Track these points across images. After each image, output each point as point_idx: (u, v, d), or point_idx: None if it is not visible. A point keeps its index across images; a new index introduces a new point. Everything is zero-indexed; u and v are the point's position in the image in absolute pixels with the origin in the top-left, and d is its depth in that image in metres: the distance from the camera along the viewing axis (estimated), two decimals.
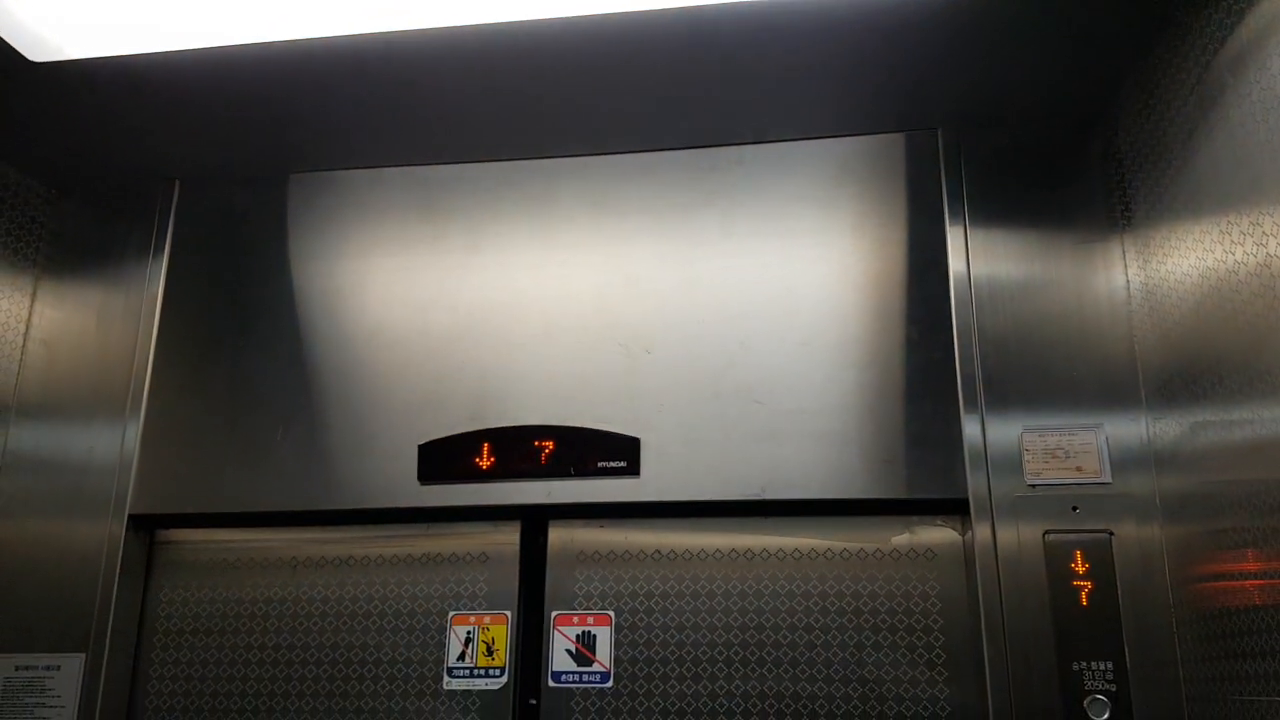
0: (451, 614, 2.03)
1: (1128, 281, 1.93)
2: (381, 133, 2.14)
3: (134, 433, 2.14)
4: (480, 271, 2.16)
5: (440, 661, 2.00)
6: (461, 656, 1.99)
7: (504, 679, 1.97)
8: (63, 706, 2.00)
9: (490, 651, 1.98)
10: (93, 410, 2.17)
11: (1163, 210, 1.80)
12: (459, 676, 1.98)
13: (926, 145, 2.09)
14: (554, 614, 2.01)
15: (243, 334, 2.19)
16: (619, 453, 2.00)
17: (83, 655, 2.01)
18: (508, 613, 2.01)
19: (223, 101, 2.02)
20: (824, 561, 1.97)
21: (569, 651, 1.98)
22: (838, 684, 1.90)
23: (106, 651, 2.01)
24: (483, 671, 1.97)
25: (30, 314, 2.26)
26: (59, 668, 2.02)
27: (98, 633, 2.02)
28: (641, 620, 1.99)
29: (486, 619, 2.01)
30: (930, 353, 1.95)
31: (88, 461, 2.13)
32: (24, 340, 2.24)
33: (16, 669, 2.03)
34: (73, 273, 2.29)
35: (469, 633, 2.00)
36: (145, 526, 2.14)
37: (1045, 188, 2.00)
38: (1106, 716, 1.72)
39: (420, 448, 2.05)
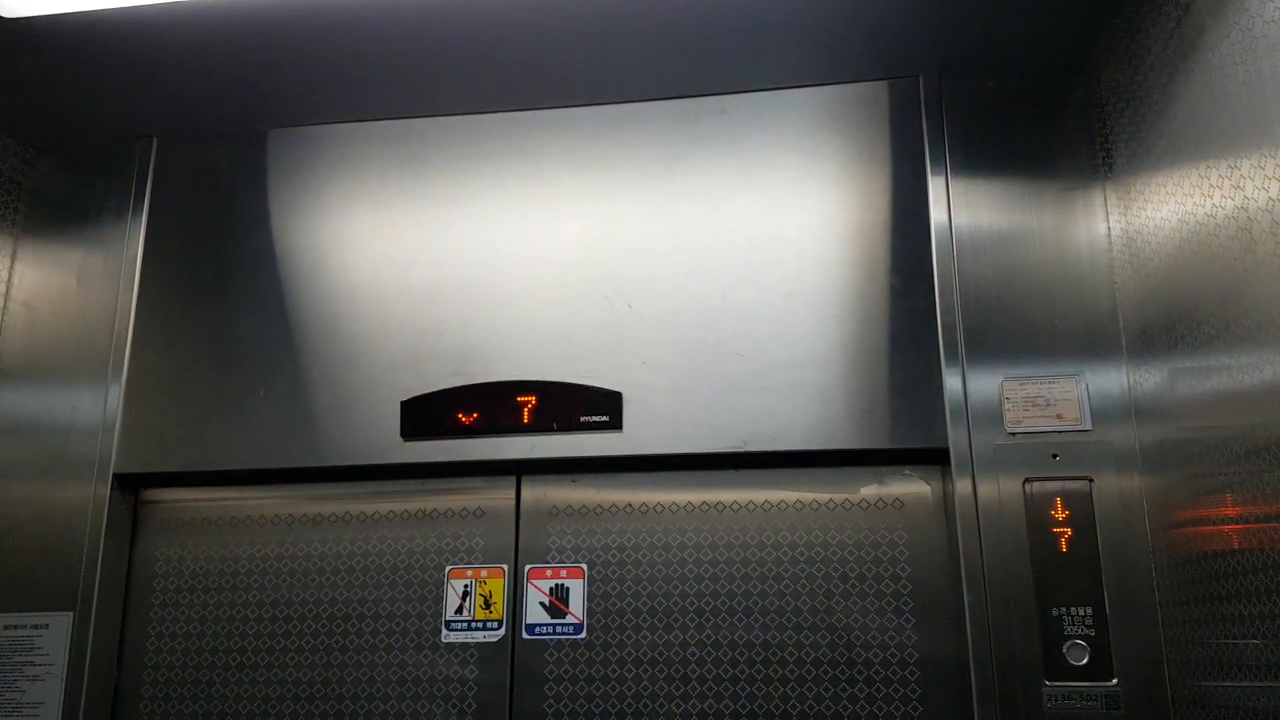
0: (449, 568, 2.04)
1: (1109, 229, 1.92)
2: (360, 85, 2.11)
3: (117, 392, 2.13)
4: (461, 226, 2.15)
5: (438, 615, 2.01)
6: (459, 610, 2.00)
7: (502, 631, 1.98)
8: (52, 664, 2.01)
9: (488, 604, 2.00)
10: (75, 370, 2.16)
11: (1143, 156, 1.79)
12: (457, 629, 2.00)
13: (908, 93, 2.07)
14: (527, 568, 2.02)
15: (223, 291, 2.18)
16: (601, 407, 2.00)
17: (70, 614, 2.02)
18: (504, 566, 2.03)
19: (199, 56, 2.00)
20: (794, 513, 1.98)
21: (542, 604, 2.00)
22: (807, 632, 1.92)
23: (94, 610, 2.02)
24: (480, 624, 1.99)
25: (10, 275, 2.25)
26: (47, 626, 2.03)
27: (85, 592, 2.03)
28: (614, 573, 2.00)
29: (483, 573, 2.02)
30: (912, 302, 1.95)
31: (71, 421, 2.13)
32: (5, 301, 2.23)
33: (5, 628, 2.04)
34: (52, 233, 2.27)
35: (466, 586, 2.02)
36: (130, 486, 2.14)
37: (1027, 135, 1.99)
38: (1086, 661, 1.73)
39: (403, 404, 2.05)
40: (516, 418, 2.01)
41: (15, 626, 2.04)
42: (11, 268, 2.25)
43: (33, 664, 2.01)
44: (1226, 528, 1.56)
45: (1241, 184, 1.44)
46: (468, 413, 2.02)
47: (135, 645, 2.09)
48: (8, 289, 2.24)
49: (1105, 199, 1.94)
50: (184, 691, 2.05)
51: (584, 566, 2.01)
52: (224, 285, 2.19)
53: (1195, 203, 1.59)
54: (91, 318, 2.19)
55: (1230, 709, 1.52)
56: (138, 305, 2.19)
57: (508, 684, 1.96)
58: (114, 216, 2.26)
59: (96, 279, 2.22)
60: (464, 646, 1.99)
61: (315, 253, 2.18)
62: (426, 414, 2.04)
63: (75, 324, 2.19)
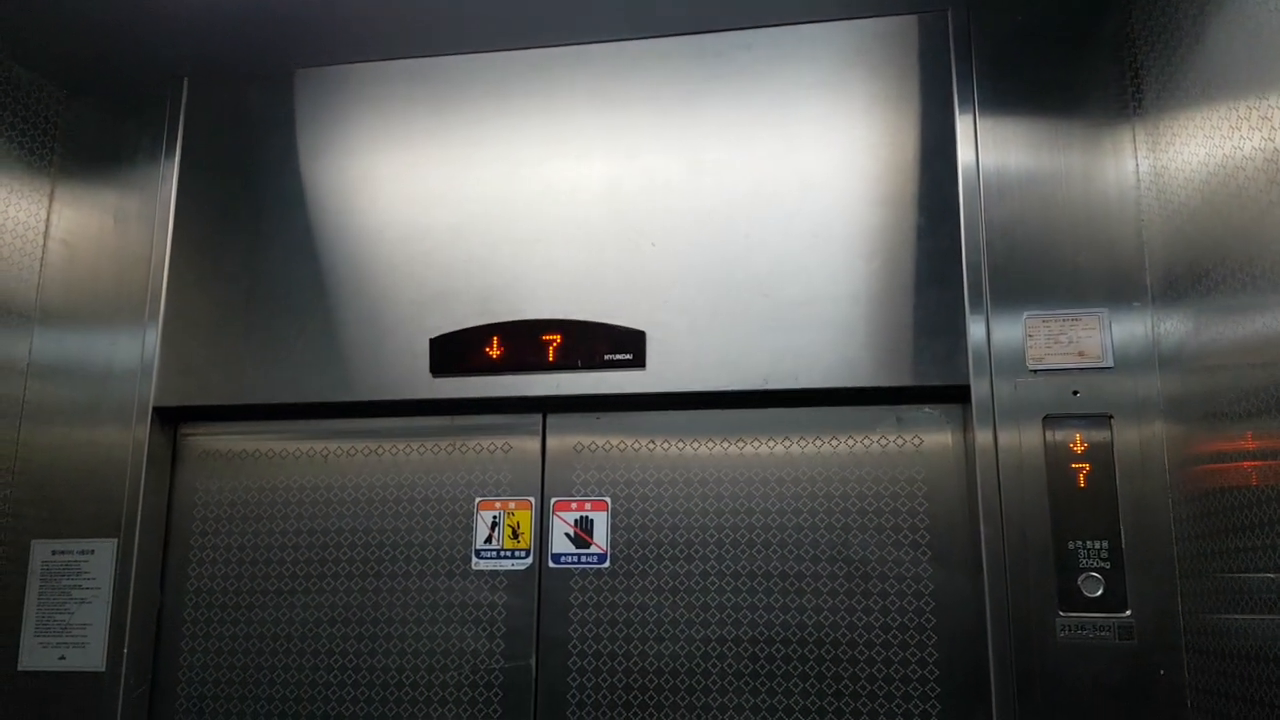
0: (478, 500, 2.10)
1: (1137, 168, 1.91)
2: (385, 24, 2.12)
3: (154, 329, 2.19)
4: (485, 165, 2.17)
5: (468, 544, 2.08)
6: (488, 539, 2.07)
7: (529, 560, 2.05)
8: (98, 588, 2.10)
9: (516, 535, 2.06)
10: (114, 308, 2.22)
11: (1173, 93, 1.76)
12: (486, 558, 2.06)
13: (936, 27, 2.05)
14: (553, 500, 2.07)
15: (256, 230, 2.22)
16: (625, 345, 2.03)
17: (115, 540, 2.11)
18: (531, 499, 2.08)
19: None
20: (813, 449, 2.02)
21: (567, 535, 2.05)
22: (824, 564, 1.96)
23: (137, 537, 2.11)
24: (509, 553, 2.05)
25: (49, 214, 2.30)
26: (93, 552, 2.11)
27: (128, 519, 2.11)
28: (637, 506, 2.05)
29: (511, 504, 2.08)
30: (937, 241, 1.95)
31: (111, 357, 2.20)
32: (44, 241, 2.28)
33: (53, 553, 2.13)
34: (88, 174, 2.32)
35: (495, 517, 2.08)
36: (169, 420, 2.21)
37: (1056, 70, 1.96)
38: (1100, 593, 1.77)
39: (432, 341, 2.09)
40: (542, 356, 2.05)
41: (63, 551, 2.13)
42: (50, 207, 2.30)
43: (80, 587, 2.10)
44: (1245, 464, 1.57)
45: (1271, 124, 1.42)
46: (495, 350, 2.07)
47: (177, 571, 2.17)
48: (47, 228, 2.29)
49: (1134, 137, 1.92)
50: (224, 615, 2.13)
51: (608, 500, 2.06)
52: (256, 224, 2.23)
53: (1224, 142, 1.58)
54: (128, 257, 2.24)
55: (1241, 640, 1.55)
56: (173, 244, 2.23)
57: (535, 610, 2.02)
58: (147, 157, 2.30)
59: (132, 219, 2.27)
60: (493, 574, 2.06)
61: (344, 192, 2.21)
62: (455, 351, 2.08)
63: (113, 263, 2.25)
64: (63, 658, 2.08)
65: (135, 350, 2.19)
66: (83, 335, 2.22)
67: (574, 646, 2.00)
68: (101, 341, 2.21)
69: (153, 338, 2.19)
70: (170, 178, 2.27)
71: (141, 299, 2.22)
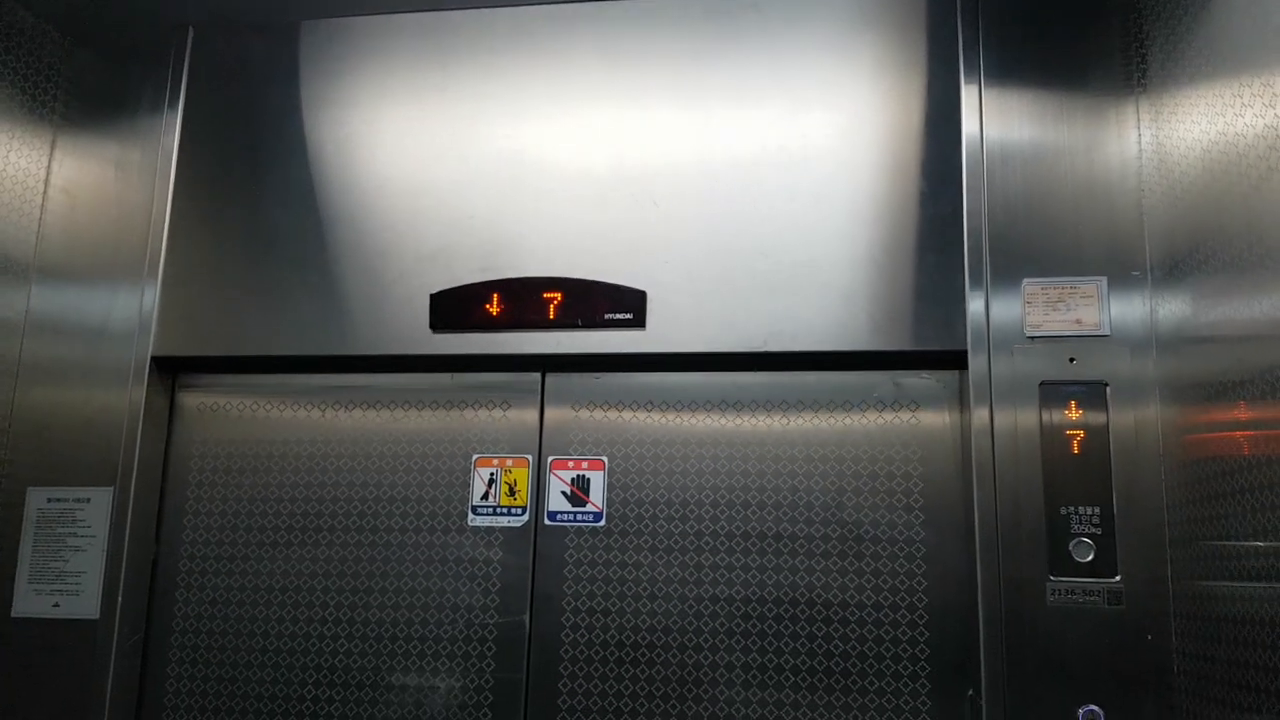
0: (475, 457, 2.11)
1: (1139, 142, 1.92)
2: None
3: (154, 280, 2.19)
4: (490, 121, 2.17)
5: (465, 500, 2.09)
6: (485, 496, 2.08)
7: (525, 517, 2.06)
8: (94, 536, 2.10)
9: (513, 492, 2.07)
10: (114, 258, 2.22)
11: (1178, 68, 1.77)
12: (483, 514, 2.07)
13: None
14: (550, 459, 2.08)
15: (258, 182, 2.22)
16: (626, 305, 2.04)
17: (111, 489, 2.11)
18: (529, 457, 2.09)
19: None
20: (810, 413, 2.03)
21: (564, 494, 2.06)
22: (818, 525, 1.98)
23: (134, 486, 2.10)
24: (505, 510, 2.06)
25: (50, 162, 2.29)
26: (89, 500, 2.12)
27: (125, 469, 2.11)
28: (634, 466, 2.06)
29: (509, 462, 2.09)
30: (939, 207, 1.96)
31: (111, 306, 2.19)
32: (45, 189, 2.27)
33: (49, 500, 2.13)
34: (91, 123, 2.31)
35: (492, 474, 2.09)
36: (167, 369, 2.21)
37: (1062, 41, 1.97)
38: (1091, 558, 1.78)
39: (432, 297, 2.09)
40: (543, 314, 2.06)
41: (58, 500, 2.13)
42: (51, 155, 2.29)
43: (75, 535, 2.11)
44: (1237, 434, 1.59)
45: (1274, 102, 1.43)
46: (495, 308, 2.07)
47: (173, 521, 2.18)
48: (48, 177, 2.28)
49: (1138, 110, 1.93)
50: (219, 566, 2.14)
51: (604, 459, 2.07)
52: (258, 176, 2.22)
53: (1226, 113, 1.59)
54: (129, 207, 2.24)
55: (1227, 606, 1.57)
56: (175, 195, 2.23)
57: (530, 566, 2.04)
58: (150, 107, 2.29)
59: (134, 169, 2.26)
60: (489, 530, 2.07)
61: (347, 145, 2.21)
62: (455, 307, 2.08)
63: (114, 212, 2.24)
64: (56, 605, 2.09)
65: (134, 300, 2.19)
66: (82, 284, 2.22)
67: (568, 603, 2.01)
68: (101, 291, 2.20)
69: (152, 288, 2.18)
70: (173, 128, 2.27)
71: (142, 249, 2.21)
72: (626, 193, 2.08)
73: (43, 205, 2.27)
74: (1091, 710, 1.73)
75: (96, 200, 2.26)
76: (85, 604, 2.08)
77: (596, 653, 1.99)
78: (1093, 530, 1.79)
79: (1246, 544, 1.53)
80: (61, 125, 2.31)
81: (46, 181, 2.28)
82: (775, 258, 2.00)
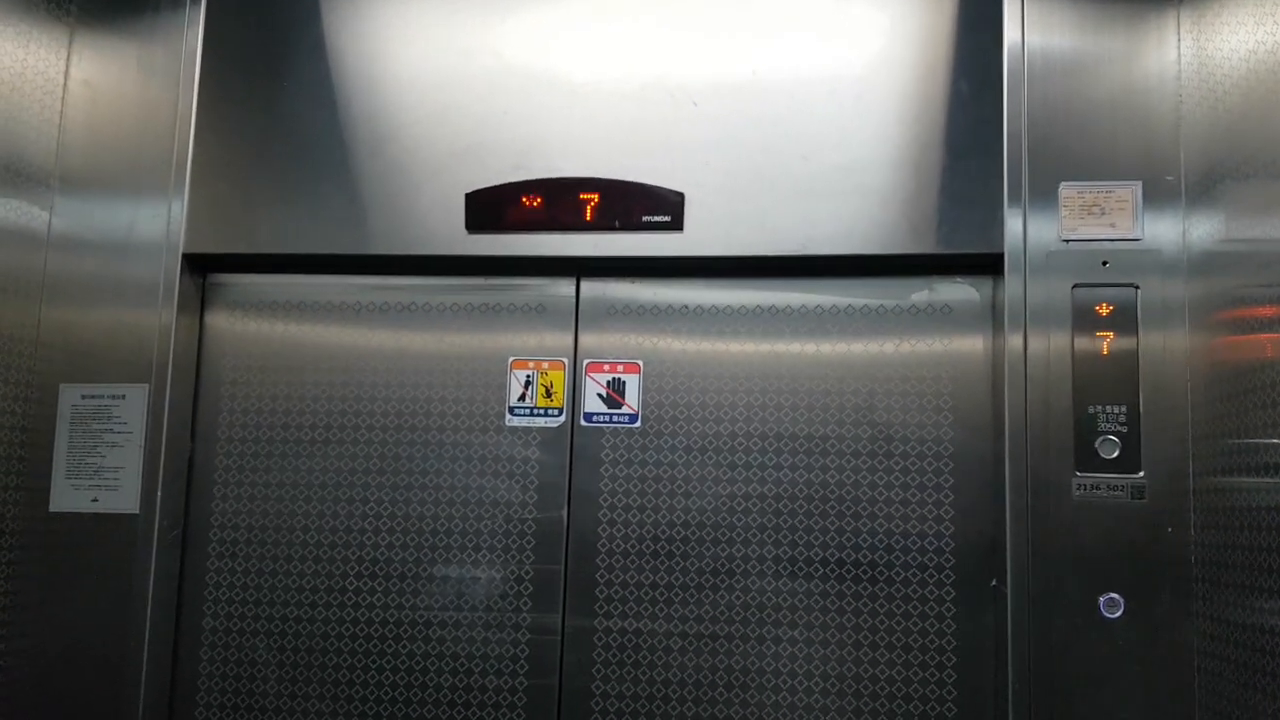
0: (511, 359, 2.13)
1: (1179, 51, 1.93)
2: None
3: (183, 177, 2.16)
4: (525, 13, 2.13)
5: (502, 401, 2.12)
6: (522, 397, 2.11)
7: (562, 418, 2.10)
8: (130, 433, 2.11)
9: (549, 394, 2.10)
10: (139, 153, 2.18)
11: None
12: (520, 415, 2.10)
13: None
14: (586, 362, 2.11)
15: (287, 77, 2.18)
16: (663, 207, 2.04)
17: (147, 385, 2.11)
18: (564, 360, 2.12)
19: None
20: (844, 317, 2.06)
21: (600, 396, 2.10)
22: (849, 426, 2.03)
23: (169, 383, 2.11)
24: (542, 411, 2.10)
25: (68, 65, 2.22)
26: (124, 396, 2.12)
27: (159, 366, 2.11)
28: (669, 369, 2.10)
29: (545, 364, 2.12)
30: (979, 109, 1.97)
31: (138, 201, 2.16)
32: (65, 84, 2.21)
33: (83, 397, 2.13)
34: (110, 22, 2.23)
35: (528, 376, 2.11)
36: (198, 267, 2.20)
37: None
38: (1116, 455, 1.85)
39: (467, 196, 2.08)
40: (579, 215, 2.06)
41: (93, 396, 2.13)
42: (69, 55, 2.21)
43: (112, 431, 2.12)
44: (1263, 335, 1.65)
45: None
46: (532, 208, 2.07)
47: (207, 419, 2.19)
48: (67, 75, 2.22)
49: (1179, 20, 1.93)
50: (256, 463, 2.17)
51: (640, 363, 2.10)
52: (287, 71, 2.18)
53: (1267, 30, 1.60)
54: (153, 106, 2.19)
55: (1245, 498, 1.65)
56: (200, 92, 2.18)
57: (567, 465, 2.08)
58: (171, 5, 2.22)
59: (157, 67, 2.20)
60: (526, 430, 2.10)
61: (377, 38, 2.16)
62: (491, 207, 2.08)
63: (137, 112, 2.19)
64: (95, 500, 2.11)
65: (163, 199, 2.15)
66: (108, 184, 2.18)
67: (604, 500, 2.06)
68: (128, 189, 2.17)
69: (181, 187, 2.15)
70: (196, 24, 2.20)
71: (169, 149, 2.17)
72: (664, 90, 2.07)
73: (63, 101, 2.21)
74: (1112, 598, 1.82)
75: (119, 100, 2.21)
76: (124, 499, 2.10)
77: (633, 546, 2.05)
78: (1119, 428, 1.86)
79: (1266, 441, 1.60)
80: (79, 25, 2.24)
81: (65, 81, 2.22)
82: (814, 159, 2.01)
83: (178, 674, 2.13)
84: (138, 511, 2.09)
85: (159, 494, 2.09)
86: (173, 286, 2.13)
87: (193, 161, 2.16)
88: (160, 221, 2.15)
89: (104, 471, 2.11)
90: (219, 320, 2.22)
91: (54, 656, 2.06)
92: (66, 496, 2.12)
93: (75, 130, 2.21)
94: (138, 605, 2.06)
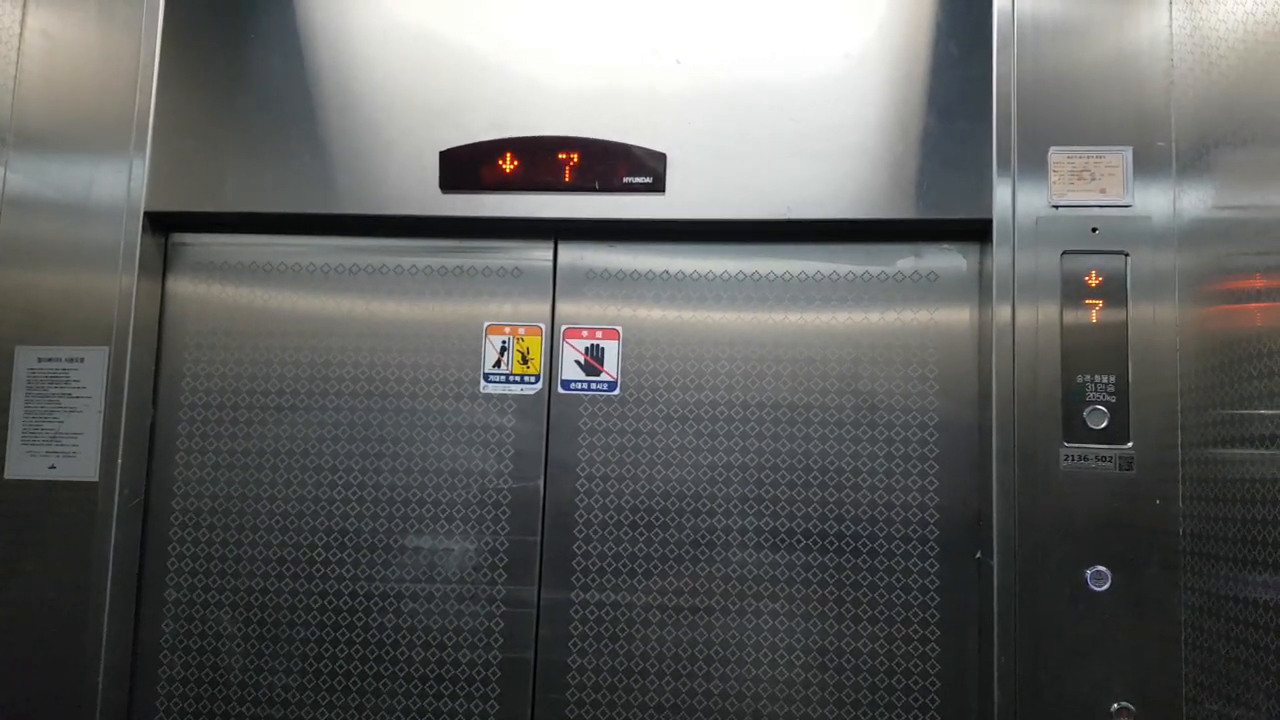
0: (486, 324, 2.06)
1: (1170, 14, 1.89)
2: None
3: (145, 133, 2.07)
4: None
5: (477, 368, 2.05)
6: (497, 364, 2.04)
7: (539, 385, 2.04)
8: (89, 397, 2.03)
9: (525, 360, 2.04)
10: (99, 108, 2.08)
11: None
12: (495, 382, 2.04)
13: None
14: (563, 328, 2.05)
15: (254, 28, 2.09)
16: (644, 168, 1.98)
17: (107, 348, 2.03)
18: (541, 325, 2.05)
19: None
20: (829, 284, 2.01)
21: (578, 363, 2.04)
22: (833, 395, 1.99)
23: (130, 347, 2.03)
24: (518, 378, 2.04)
25: (24, 15, 2.13)
26: (83, 360, 2.04)
27: (120, 328, 2.03)
28: (648, 336, 2.04)
29: (521, 330, 2.05)
30: (968, 70, 1.92)
31: (98, 158, 2.07)
32: (21, 31, 2.12)
33: (40, 360, 2.05)
34: None
35: (504, 342, 2.05)
36: (161, 226, 2.11)
37: None
38: (1104, 425, 1.82)
39: (442, 154, 2.01)
40: (557, 175, 1.99)
41: (50, 359, 2.05)
42: (25, 4, 2.13)
43: (70, 395, 2.04)
44: (1252, 305, 1.62)
45: None
46: (508, 167, 2.00)
47: (170, 384, 2.11)
48: (23, 17, 2.12)
49: None
50: (219, 430, 2.09)
51: (619, 329, 2.05)
52: (254, 21, 2.09)
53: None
54: (114, 58, 2.10)
55: (1233, 470, 1.62)
56: (163, 42, 2.09)
57: (544, 433, 2.02)
58: None
59: (119, 13, 2.10)
60: (501, 398, 2.04)
61: None
62: (466, 166, 2.01)
63: (98, 64, 2.10)
64: (53, 467, 2.03)
65: (124, 152, 2.07)
66: (68, 140, 2.09)
67: (582, 469, 2.01)
68: (88, 142, 2.08)
69: (143, 140, 2.07)
70: None
71: (130, 100, 2.08)
72: (646, 46, 2.00)
73: (19, 56, 2.12)
74: (1099, 570, 1.79)
75: (77, 51, 2.11)
76: (83, 466, 2.02)
77: (611, 517, 1.99)
78: (1107, 398, 1.82)
79: (1254, 412, 1.57)
80: None
81: (21, 31, 2.12)
82: (800, 120, 1.95)
83: (139, 647, 2.06)
84: (97, 479, 2.01)
85: (119, 461, 2.01)
86: (134, 246, 2.04)
87: (155, 116, 2.07)
88: (121, 178, 2.06)
89: (62, 437, 2.03)
90: (182, 281, 2.14)
91: (8, 630, 1.98)
92: (23, 464, 2.04)
93: (31, 83, 2.12)
94: (97, 576, 1.98)
